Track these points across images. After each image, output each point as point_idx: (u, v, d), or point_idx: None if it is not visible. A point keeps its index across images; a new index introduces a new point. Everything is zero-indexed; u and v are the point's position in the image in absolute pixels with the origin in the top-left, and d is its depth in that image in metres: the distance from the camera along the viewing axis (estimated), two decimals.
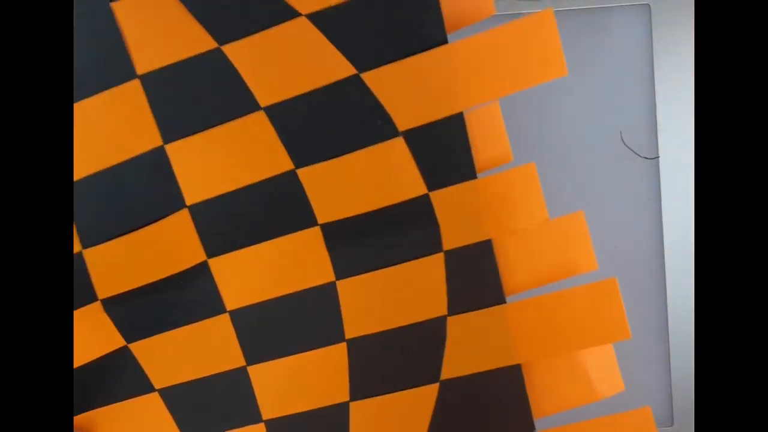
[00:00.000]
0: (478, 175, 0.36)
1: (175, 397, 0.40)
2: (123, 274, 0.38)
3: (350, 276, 0.38)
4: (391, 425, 0.38)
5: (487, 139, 0.36)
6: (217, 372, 0.39)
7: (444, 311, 0.37)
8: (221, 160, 0.37)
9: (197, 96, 0.36)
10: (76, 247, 0.38)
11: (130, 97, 0.36)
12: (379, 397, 0.39)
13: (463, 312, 0.37)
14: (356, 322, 0.38)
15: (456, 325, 0.38)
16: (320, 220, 0.37)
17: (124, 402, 0.40)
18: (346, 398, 0.39)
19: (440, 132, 0.36)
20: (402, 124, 0.36)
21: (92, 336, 0.39)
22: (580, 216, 0.37)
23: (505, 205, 0.37)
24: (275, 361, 0.39)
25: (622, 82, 0.49)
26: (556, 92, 0.48)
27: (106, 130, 0.37)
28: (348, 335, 0.38)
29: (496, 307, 0.37)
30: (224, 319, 0.38)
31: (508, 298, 0.37)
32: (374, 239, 0.37)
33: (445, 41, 0.35)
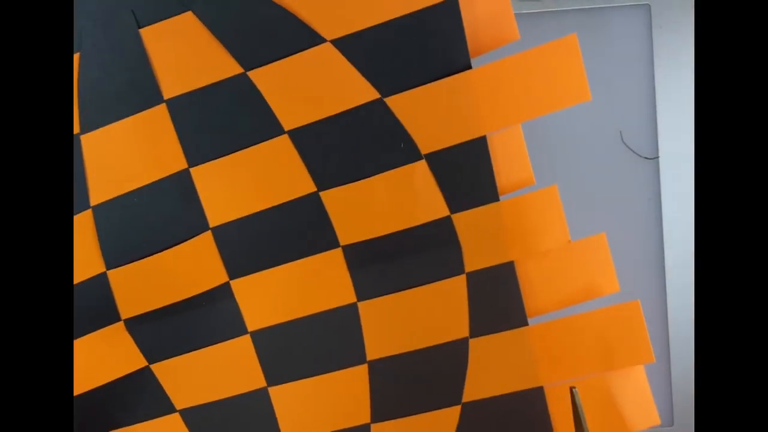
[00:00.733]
0: (500, 197, 0.36)
1: (196, 418, 0.40)
2: (146, 295, 0.38)
3: (372, 297, 0.38)
4: None
5: (509, 162, 0.37)
6: (238, 393, 0.39)
7: (466, 333, 0.37)
8: (245, 183, 0.37)
9: (222, 120, 0.37)
10: (101, 267, 0.38)
11: (157, 121, 0.37)
12: (400, 419, 0.38)
13: (486, 334, 0.37)
14: (378, 343, 0.38)
15: (478, 347, 0.37)
16: (342, 242, 0.37)
17: (145, 423, 0.40)
18: (368, 420, 0.39)
19: (463, 155, 0.36)
20: (425, 147, 0.36)
21: (114, 356, 0.39)
22: (602, 238, 0.37)
23: (527, 227, 0.37)
24: (296, 382, 0.39)
25: (622, 82, 0.49)
26: None
27: (133, 153, 0.37)
28: (369, 357, 0.38)
29: (519, 329, 0.37)
30: (245, 340, 0.39)
31: (530, 320, 0.37)
32: (396, 261, 0.37)
33: (468, 66, 0.35)
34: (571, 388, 0.36)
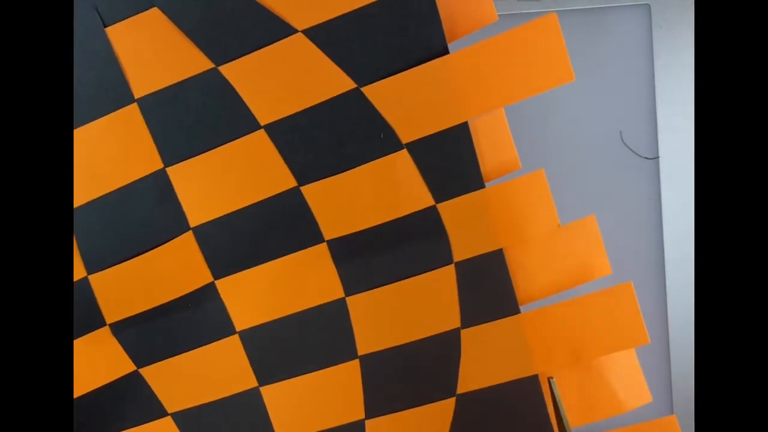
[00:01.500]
0: (486, 184, 0.35)
1: (189, 421, 0.39)
2: (130, 299, 0.38)
3: (360, 292, 0.37)
4: None
5: (493, 147, 0.36)
6: (230, 394, 0.39)
7: (457, 324, 0.37)
8: (223, 181, 0.36)
9: (196, 117, 0.36)
10: (82, 272, 0.37)
11: (129, 121, 0.36)
12: (395, 414, 0.38)
13: (477, 324, 0.37)
14: (368, 338, 0.37)
15: (470, 338, 0.37)
16: (327, 237, 0.36)
17: (137, 428, 0.39)
18: (362, 416, 0.38)
19: (445, 142, 0.35)
20: (405, 136, 0.35)
21: (102, 361, 0.39)
22: (592, 220, 0.36)
23: (515, 213, 0.36)
24: (288, 380, 0.38)
25: (622, 82, 0.48)
26: (556, 92, 0.47)
27: (107, 155, 0.36)
28: (360, 352, 0.38)
29: (511, 317, 0.37)
30: (234, 340, 0.38)
31: (522, 308, 0.37)
32: (382, 254, 0.36)
33: (446, 51, 0.34)
34: (549, 378, 0.36)
